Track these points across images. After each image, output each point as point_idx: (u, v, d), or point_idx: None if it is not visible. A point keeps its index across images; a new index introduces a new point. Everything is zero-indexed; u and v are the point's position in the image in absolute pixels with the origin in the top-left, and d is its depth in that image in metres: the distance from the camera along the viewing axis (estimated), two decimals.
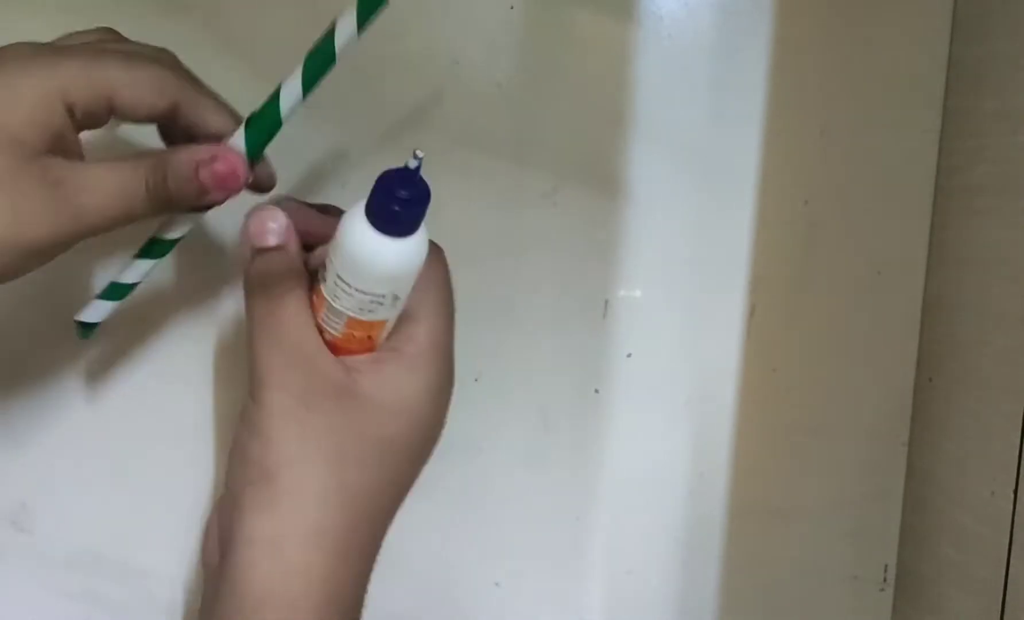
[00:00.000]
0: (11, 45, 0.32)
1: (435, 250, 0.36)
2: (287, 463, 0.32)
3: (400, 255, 0.31)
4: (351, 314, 0.33)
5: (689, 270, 0.47)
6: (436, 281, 0.36)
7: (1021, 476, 0.40)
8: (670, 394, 0.47)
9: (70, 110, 0.31)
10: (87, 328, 0.39)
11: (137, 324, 0.45)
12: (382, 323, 0.34)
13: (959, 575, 0.44)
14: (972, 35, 0.46)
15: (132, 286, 0.39)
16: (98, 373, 0.45)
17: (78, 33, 0.36)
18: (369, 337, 0.34)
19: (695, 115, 0.47)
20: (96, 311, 0.39)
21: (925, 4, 0.47)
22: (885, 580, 0.49)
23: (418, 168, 0.31)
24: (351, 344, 0.34)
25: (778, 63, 0.47)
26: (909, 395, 0.48)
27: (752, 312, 0.48)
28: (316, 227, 0.36)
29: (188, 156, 0.32)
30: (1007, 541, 0.40)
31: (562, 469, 0.47)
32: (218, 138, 0.34)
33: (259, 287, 0.34)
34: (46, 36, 0.45)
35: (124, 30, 0.45)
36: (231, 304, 0.45)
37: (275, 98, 0.35)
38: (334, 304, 0.33)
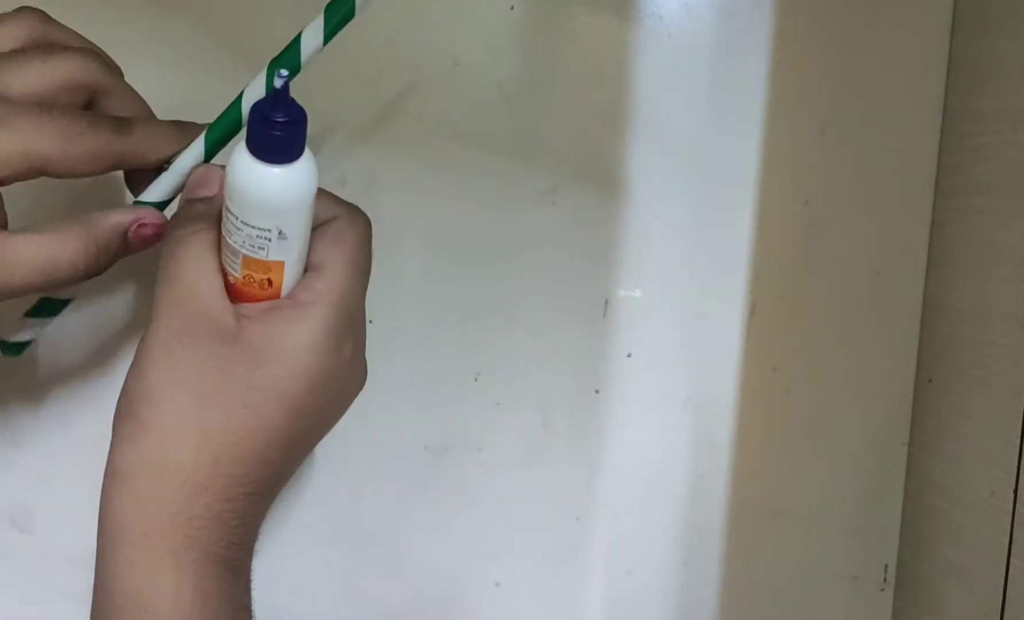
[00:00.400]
0: None
1: (356, 213, 0.36)
2: (150, 397, 0.32)
3: (280, 183, 0.30)
4: (244, 252, 0.32)
5: (689, 270, 0.47)
6: (348, 240, 0.35)
7: (1021, 476, 0.40)
8: (670, 394, 0.47)
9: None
10: (16, 348, 0.39)
11: (137, 324, 0.45)
12: (279, 265, 0.33)
13: (959, 575, 0.44)
14: (972, 34, 0.46)
15: (64, 303, 0.39)
16: (98, 373, 0.45)
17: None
18: (269, 281, 0.33)
19: (695, 115, 0.47)
20: (26, 331, 0.39)
21: (925, 3, 0.47)
22: (885, 580, 0.49)
23: (284, 88, 0.30)
24: (252, 288, 0.33)
25: (778, 63, 0.47)
26: (909, 395, 0.48)
27: (752, 312, 0.48)
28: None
29: (115, 223, 0.35)
30: (1007, 541, 0.40)
31: (562, 469, 0.47)
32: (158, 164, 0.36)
33: (170, 230, 0.34)
34: None
35: (121, 28, 0.45)
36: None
37: (237, 102, 0.36)
38: (229, 240, 0.32)
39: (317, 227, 0.34)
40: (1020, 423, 0.40)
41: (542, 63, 0.46)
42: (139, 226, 0.35)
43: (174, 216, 0.35)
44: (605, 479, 0.47)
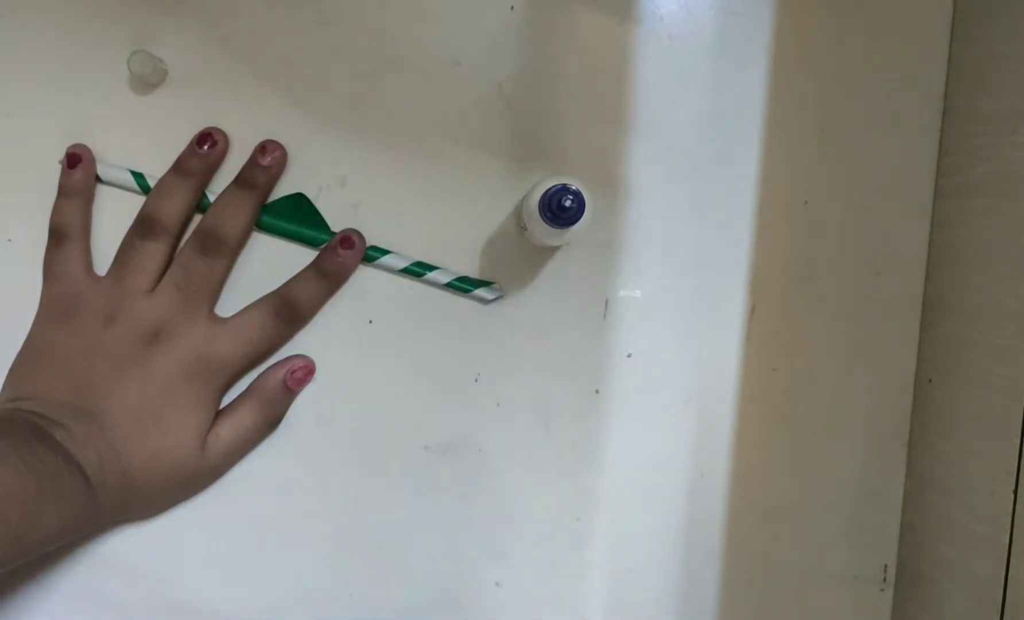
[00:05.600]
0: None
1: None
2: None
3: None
4: None
5: (689, 270, 0.47)
6: None
7: (1021, 476, 0.40)
8: (670, 394, 0.47)
9: None
10: None
11: None
12: None
13: (959, 575, 0.44)
14: (972, 35, 0.46)
15: None
16: None
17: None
18: None
19: (695, 115, 0.47)
20: None
21: (925, 4, 0.47)
22: (885, 580, 0.49)
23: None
24: None
25: (778, 63, 0.47)
26: (909, 395, 0.48)
27: (752, 312, 0.48)
28: None
29: (277, 381, 0.45)
30: (1007, 541, 0.40)
31: (562, 469, 0.47)
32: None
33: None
34: (49, 37, 0.45)
35: (126, 30, 0.45)
36: (229, 307, 0.45)
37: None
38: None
39: None
40: (1020, 423, 0.40)
41: (542, 63, 0.46)
42: (292, 373, 0.45)
43: None
44: (605, 479, 0.47)
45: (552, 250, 0.47)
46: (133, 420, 0.41)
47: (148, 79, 0.44)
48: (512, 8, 0.46)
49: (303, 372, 0.45)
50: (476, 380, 0.47)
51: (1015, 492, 0.40)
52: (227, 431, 0.44)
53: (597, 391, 0.47)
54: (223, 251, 0.43)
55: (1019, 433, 0.40)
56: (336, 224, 0.46)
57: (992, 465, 0.42)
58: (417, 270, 0.45)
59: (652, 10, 0.46)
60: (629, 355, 0.47)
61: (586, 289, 0.47)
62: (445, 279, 0.45)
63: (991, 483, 0.42)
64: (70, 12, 0.45)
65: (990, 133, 0.44)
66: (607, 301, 0.47)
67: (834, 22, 0.47)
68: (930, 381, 0.47)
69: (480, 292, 0.46)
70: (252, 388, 0.45)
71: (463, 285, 0.46)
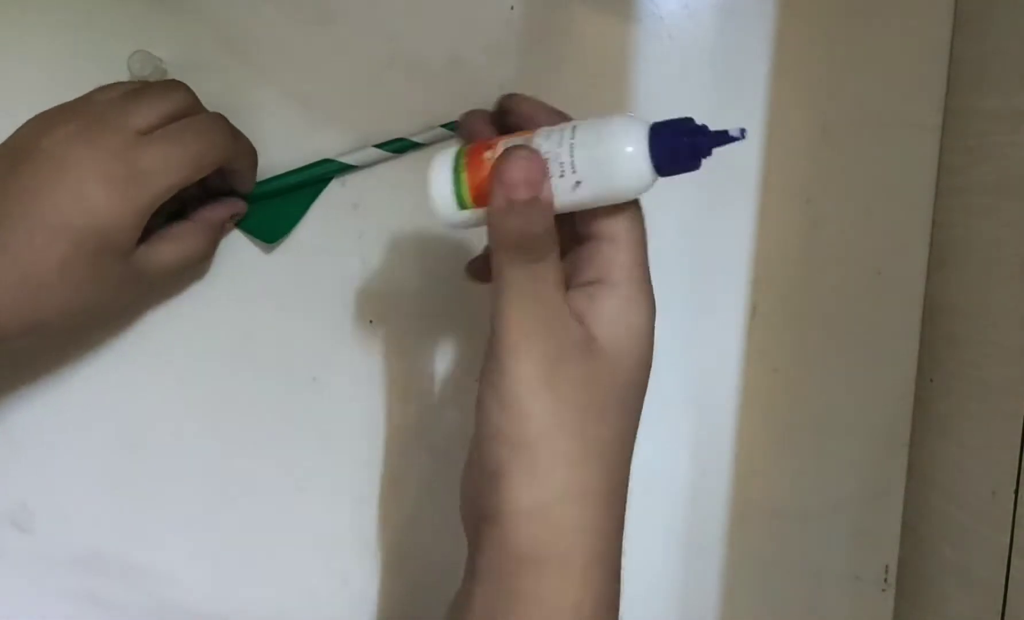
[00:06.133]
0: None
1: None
2: (542, 433, 0.33)
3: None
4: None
5: (689, 270, 0.47)
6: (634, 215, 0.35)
7: (1021, 476, 0.40)
8: (670, 394, 0.47)
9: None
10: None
11: (136, 325, 0.45)
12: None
13: (960, 575, 0.43)
14: (973, 34, 0.46)
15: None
16: (98, 373, 0.45)
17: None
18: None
19: (695, 115, 0.47)
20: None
21: (926, 3, 0.47)
22: (886, 580, 0.48)
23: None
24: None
25: (779, 63, 0.47)
26: (909, 395, 0.48)
27: (752, 312, 0.48)
28: (544, 122, 0.35)
29: (221, 217, 0.44)
30: (1007, 541, 0.40)
31: None
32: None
33: (516, 247, 0.32)
34: (53, 38, 0.45)
35: (126, 30, 0.45)
36: (230, 307, 0.45)
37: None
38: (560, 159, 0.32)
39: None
40: (1020, 423, 0.40)
41: (542, 63, 0.46)
42: (233, 216, 0.44)
43: (512, 225, 0.32)
44: None
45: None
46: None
47: (148, 79, 0.44)
48: (512, 8, 0.46)
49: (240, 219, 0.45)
50: (477, 380, 0.47)
51: (1015, 492, 0.40)
52: (168, 247, 0.42)
53: None
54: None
55: (1019, 433, 0.40)
56: (337, 224, 0.46)
57: (992, 465, 0.42)
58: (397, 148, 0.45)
59: (652, 10, 0.46)
60: None
61: None
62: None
63: (991, 483, 0.42)
64: (70, 12, 0.45)
65: (990, 133, 0.44)
66: None
67: (834, 22, 0.47)
68: (931, 381, 0.47)
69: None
70: (197, 217, 0.43)
71: (454, 125, 0.43)
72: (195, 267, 0.45)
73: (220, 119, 0.42)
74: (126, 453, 0.45)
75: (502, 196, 0.31)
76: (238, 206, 0.45)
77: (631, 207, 0.34)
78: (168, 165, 0.39)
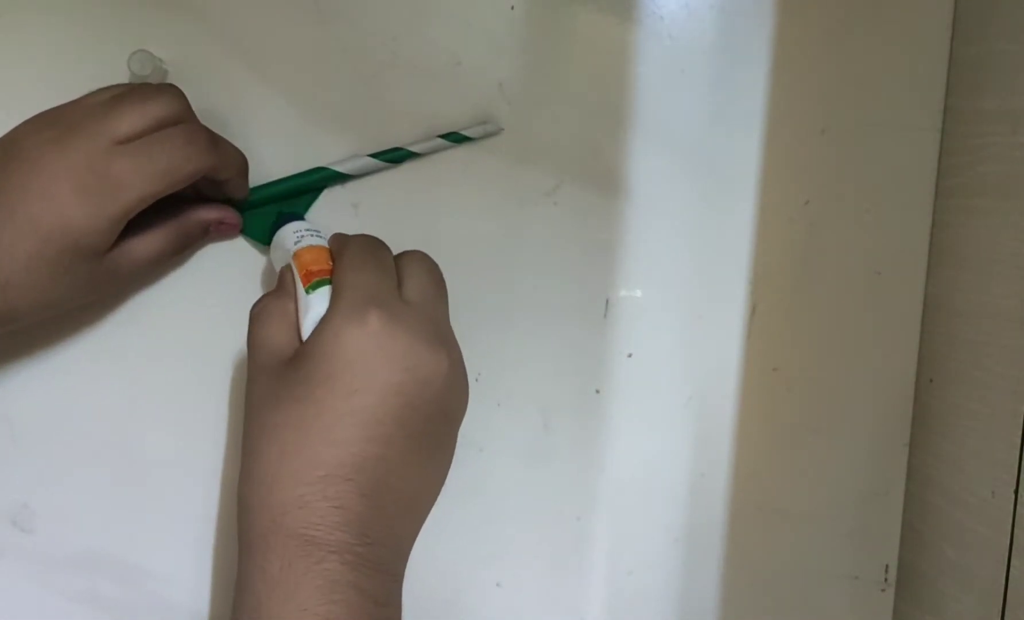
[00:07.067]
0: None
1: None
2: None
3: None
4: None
5: (689, 270, 0.47)
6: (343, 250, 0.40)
7: (1021, 476, 0.40)
8: (670, 394, 0.47)
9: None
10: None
11: (137, 326, 0.45)
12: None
13: (960, 575, 0.44)
14: (972, 35, 0.46)
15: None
16: (99, 373, 0.45)
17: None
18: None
19: (695, 115, 0.47)
20: None
21: (925, 4, 0.47)
22: (886, 580, 0.48)
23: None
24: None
25: (778, 63, 0.47)
26: (909, 395, 0.48)
27: (752, 312, 0.48)
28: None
29: (202, 219, 0.44)
30: (1007, 541, 0.40)
31: (562, 469, 0.47)
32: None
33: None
34: (53, 38, 0.45)
35: (126, 30, 0.45)
36: (230, 309, 0.45)
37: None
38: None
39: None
40: (1020, 423, 0.40)
41: (542, 63, 0.46)
42: (220, 223, 0.45)
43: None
44: (606, 479, 0.47)
45: (552, 249, 0.47)
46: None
47: (148, 79, 0.44)
48: (512, 8, 0.46)
49: (228, 228, 0.45)
50: (476, 380, 0.47)
51: (1016, 492, 0.40)
52: (142, 245, 0.42)
53: (598, 391, 0.47)
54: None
55: (1019, 433, 0.40)
56: (337, 224, 0.46)
57: (993, 465, 0.42)
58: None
59: (652, 10, 0.46)
60: (629, 355, 0.47)
61: (586, 289, 0.47)
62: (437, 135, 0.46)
63: (992, 483, 0.42)
64: (70, 12, 0.45)
65: (990, 133, 0.44)
66: (607, 301, 0.47)
67: (834, 22, 0.47)
68: (931, 381, 0.47)
69: (472, 131, 0.45)
70: (179, 215, 0.44)
71: (454, 136, 0.45)
72: (170, 264, 0.45)
73: (201, 131, 0.41)
74: (127, 453, 0.45)
75: None
76: (226, 213, 0.45)
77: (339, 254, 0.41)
78: (139, 178, 0.39)
